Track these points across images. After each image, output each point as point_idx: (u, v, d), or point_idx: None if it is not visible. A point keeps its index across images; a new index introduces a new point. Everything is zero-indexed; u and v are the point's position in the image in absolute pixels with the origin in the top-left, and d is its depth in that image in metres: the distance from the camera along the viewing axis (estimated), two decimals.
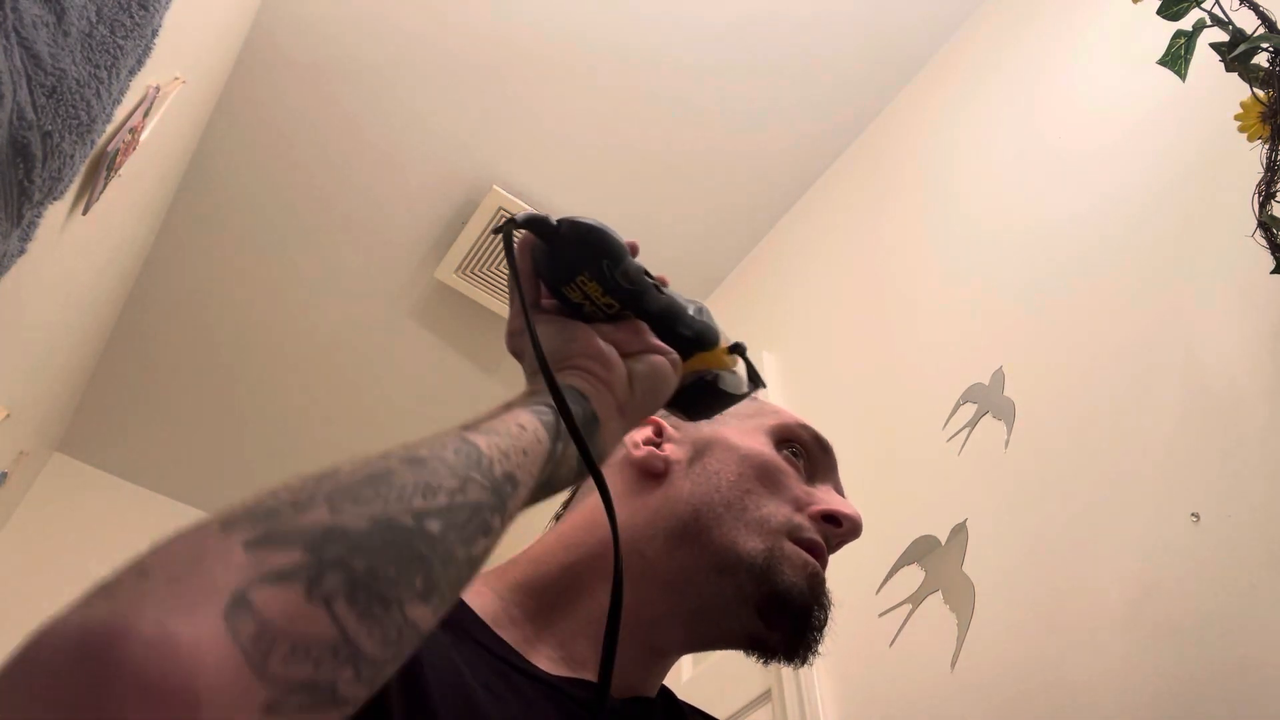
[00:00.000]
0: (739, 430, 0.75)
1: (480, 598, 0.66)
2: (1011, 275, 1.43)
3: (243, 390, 2.53)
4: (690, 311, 0.63)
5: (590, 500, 0.72)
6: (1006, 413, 1.30)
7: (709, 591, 0.67)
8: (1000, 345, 1.37)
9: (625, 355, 0.57)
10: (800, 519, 0.70)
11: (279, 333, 2.43)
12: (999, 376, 1.34)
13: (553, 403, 0.50)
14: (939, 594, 1.26)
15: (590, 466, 0.51)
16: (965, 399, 1.39)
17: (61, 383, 2.16)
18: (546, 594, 0.68)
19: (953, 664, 1.18)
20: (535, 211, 0.58)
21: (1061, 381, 1.24)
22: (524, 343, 0.57)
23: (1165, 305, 1.14)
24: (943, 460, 1.37)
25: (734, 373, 0.65)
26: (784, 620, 0.66)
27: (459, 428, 0.46)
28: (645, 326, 0.60)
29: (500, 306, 2.34)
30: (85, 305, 1.93)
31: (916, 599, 1.29)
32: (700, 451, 0.74)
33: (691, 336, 0.62)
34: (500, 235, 0.58)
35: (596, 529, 0.70)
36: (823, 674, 1.38)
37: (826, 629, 0.68)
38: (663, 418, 0.78)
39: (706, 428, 0.76)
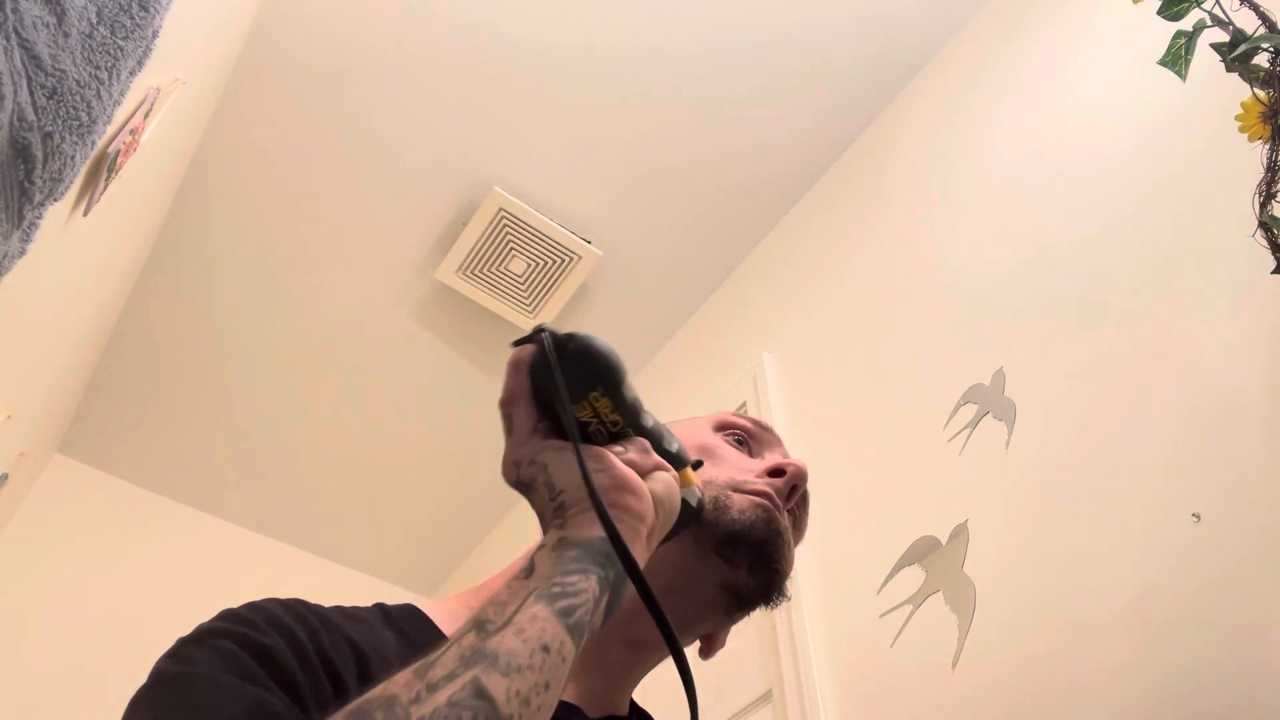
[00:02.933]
0: (684, 431, 0.77)
1: (456, 620, 0.66)
2: (1012, 275, 1.43)
3: (244, 391, 2.53)
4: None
5: None
6: (1007, 413, 1.30)
7: (672, 561, 0.67)
8: (1000, 346, 1.37)
9: (641, 474, 0.56)
10: (744, 476, 0.73)
11: (279, 333, 2.43)
12: (999, 377, 1.34)
13: (580, 588, 0.48)
14: (940, 594, 1.26)
15: (668, 637, 0.50)
16: (966, 399, 1.39)
17: (62, 384, 2.17)
18: None
19: (954, 664, 1.18)
20: (549, 327, 0.56)
21: (1062, 382, 1.24)
22: (535, 472, 0.54)
23: (1166, 305, 1.14)
24: (943, 461, 1.37)
25: (694, 489, 0.65)
26: (744, 553, 0.68)
27: (476, 653, 0.42)
28: (648, 443, 0.59)
29: (500, 307, 2.34)
30: (86, 306, 1.94)
31: (917, 599, 1.29)
32: None
33: (674, 454, 0.61)
34: (520, 347, 0.56)
35: None
36: (824, 674, 1.38)
37: (788, 564, 0.71)
38: None
39: None
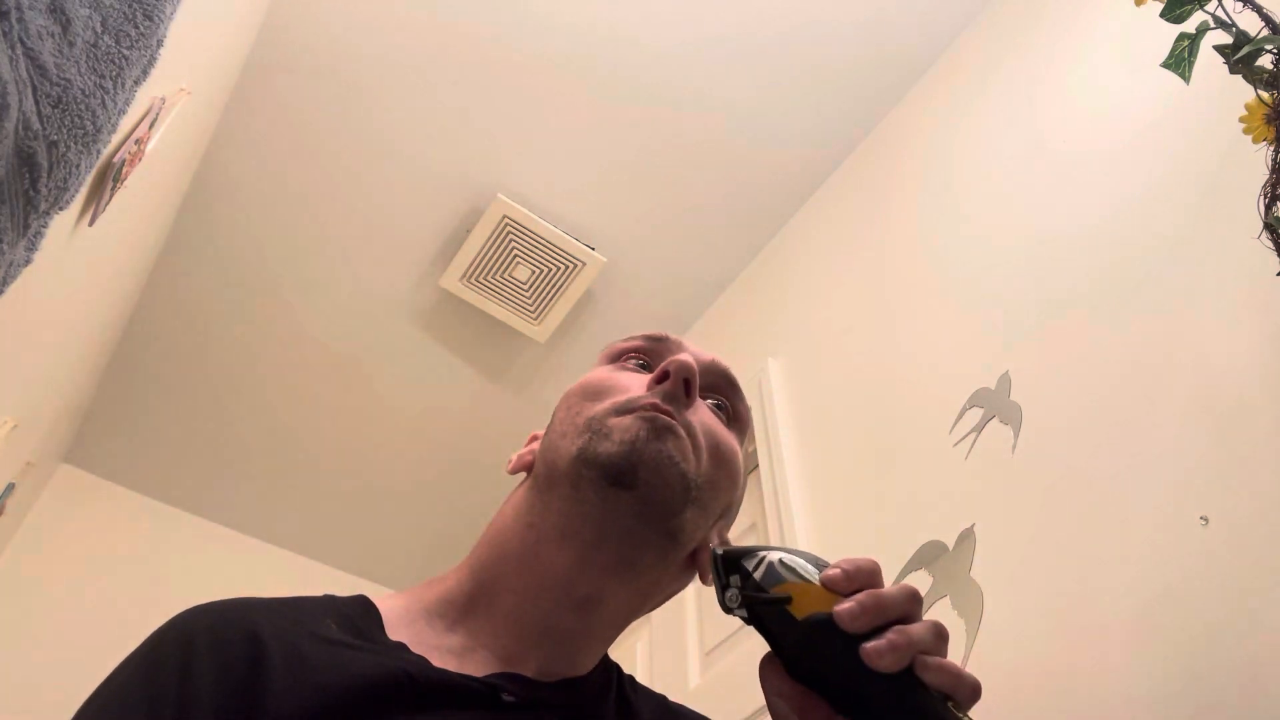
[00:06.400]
0: (586, 381, 0.76)
1: (407, 614, 0.68)
2: (1017, 279, 1.43)
3: (250, 400, 2.54)
4: None
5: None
6: (1013, 417, 1.29)
7: (583, 510, 0.66)
8: (1006, 349, 1.37)
9: None
10: (625, 398, 0.69)
11: (285, 342, 2.44)
12: (1005, 380, 1.34)
13: None
14: (947, 599, 1.25)
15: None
16: (971, 403, 1.38)
17: (68, 393, 2.17)
18: (467, 600, 0.69)
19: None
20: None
21: (1068, 385, 1.24)
22: None
23: (1172, 308, 1.14)
24: (949, 465, 1.37)
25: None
26: (629, 476, 0.64)
27: None
28: None
29: (505, 314, 2.34)
30: (92, 315, 1.94)
31: (925, 604, 1.29)
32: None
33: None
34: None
35: (499, 525, 0.72)
36: None
37: (689, 460, 0.67)
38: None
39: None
